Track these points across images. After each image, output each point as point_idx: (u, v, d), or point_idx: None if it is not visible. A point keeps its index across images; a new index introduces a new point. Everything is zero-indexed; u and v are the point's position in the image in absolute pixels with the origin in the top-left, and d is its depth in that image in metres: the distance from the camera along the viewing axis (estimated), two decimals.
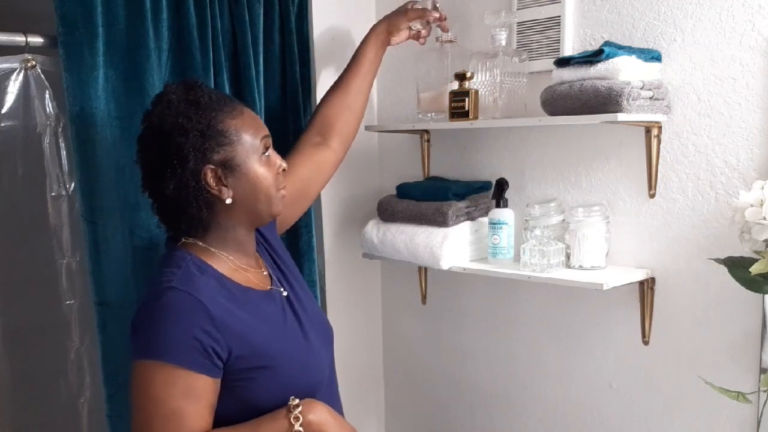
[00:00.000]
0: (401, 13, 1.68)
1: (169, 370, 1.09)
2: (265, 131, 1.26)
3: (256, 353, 1.16)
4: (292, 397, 1.17)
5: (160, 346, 1.10)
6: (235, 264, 1.24)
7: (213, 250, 1.22)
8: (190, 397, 1.10)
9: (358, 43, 1.70)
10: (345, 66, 1.69)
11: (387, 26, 1.68)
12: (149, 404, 1.09)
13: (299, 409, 1.14)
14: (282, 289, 1.30)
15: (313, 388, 1.23)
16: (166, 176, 1.17)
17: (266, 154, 1.24)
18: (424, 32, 1.72)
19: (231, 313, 1.15)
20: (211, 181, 1.18)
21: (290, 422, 1.13)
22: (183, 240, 1.23)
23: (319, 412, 1.17)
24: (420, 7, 1.68)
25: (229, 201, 1.20)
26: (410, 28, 1.70)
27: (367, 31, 1.69)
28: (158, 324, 1.11)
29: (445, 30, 1.72)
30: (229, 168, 1.19)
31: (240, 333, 1.14)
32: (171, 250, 1.23)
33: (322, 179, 1.59)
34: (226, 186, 1.19)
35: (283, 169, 1.28)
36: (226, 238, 1.24)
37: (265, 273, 1.31)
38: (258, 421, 1.14)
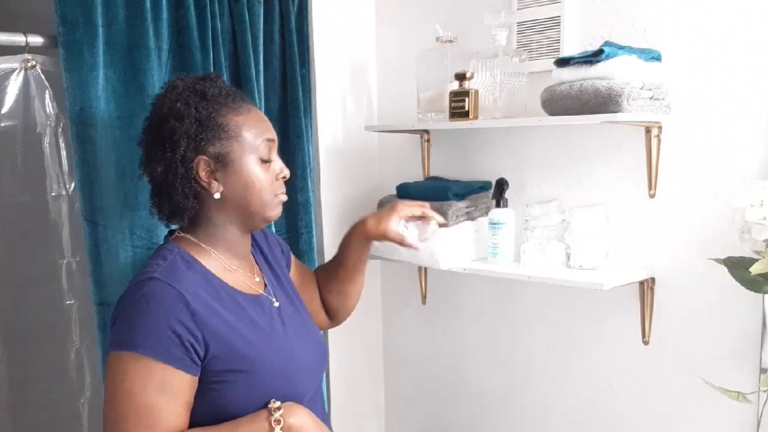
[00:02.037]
0: (382, 222, 1.41)
1: (145, 362, 1.05)
2: (271, 134, 1.23)
3: (233, 355, 1.13)
4: (273, 399, 1.14)
5: (136, 337, 1.06)
6: (226, 264, 1.22)
7: (204, 246, 1.21)
8: (167, 393, 1.06)
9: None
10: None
11: (366, 232, 1.43)
12: (123, 398, 1.05)
13: (280, 412, 1.12)
14: (274, 299, 1.27)
15: (295, 401, 1.18)
16: (155, 159, 1.17)
17: (268, 157, 1.22)
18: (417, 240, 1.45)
19: (212, 310, 1.12)
20: (202, 173, 1.16)
21: (270, 425, 1.10)
22: (176, 234, 1.22)
23: (300, 416, 1.14)
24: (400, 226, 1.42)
25: (217, 196, 1.18)
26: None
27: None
28: (136, 315, 1.08)
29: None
30: (222, 162, 1.17)
31: (219, 332, 1.12)
32: (163, 244, 1.23)
33: None
34: (216, 180, 1.18)
35: (284, 177, 1.25)
36: (216, 235, 1.22)
37: (257, 279, 1.28)
38: (237, 422, 1.12)
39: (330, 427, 1.27)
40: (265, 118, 1.26)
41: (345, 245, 1.47)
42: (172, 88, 1.19)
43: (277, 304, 1.27)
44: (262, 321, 1.22)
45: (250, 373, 1.14)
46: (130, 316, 1.09)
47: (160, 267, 1.13)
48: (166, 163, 1.16)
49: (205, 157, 1.16)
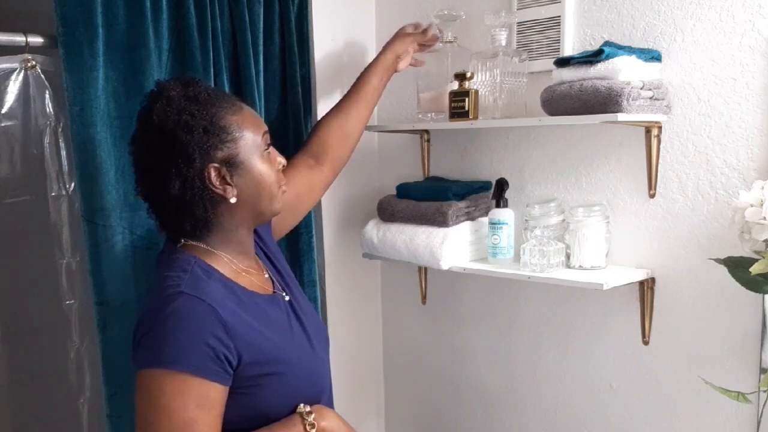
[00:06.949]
0: (404, 36, 1.70)
1: (181, 379, 1.04)
2: (265, 127, 1.22)
3: (264, 360, 1.13)
4: (302, 404, 1.15)
5: (171, 355, 1.04)
6: (238, 266, 1.20)
7: (215, 252, 1.18)
8: (204, 406, 1.05)
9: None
10: (347, 83, 1.67)
11: (395, 52, 1.68)
12: (160, 415, 1.04)
13: (312, 416, 1.14)
14: (284, 294, 1.28)
15: (318, 395, 1.21)
16: (170, 176, 1.12)
17: (267, 150, 1.21)
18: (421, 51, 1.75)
19: (240, 318, 1.11)
20: (215, 180, 1.14)
21: (305, 429, 1.13)
22: (183, 242, 1.19)
23: (330, 419, 1.17)
24: (419, 30, 1.71)
25: (233, 200, 1.16)
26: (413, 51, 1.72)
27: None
28: (168, 331, 1.05)
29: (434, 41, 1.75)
30: (232, 166, 1.15)
31: (249, 339, 1.11)
32: (172, 253, 1.18)
33: (313, 199, 1.60)
34: (230, 185, 1.15)
35: (283, 166, 1.25)
36: (228, 240, 1.20)
37: (266, 276, 1.28)
38: (271, 428, 1.13)
39: None
40: (255, 111, 1.25)
41: (369, 76, 1.65)
42: (167, 100, 1.13)
43: (287, 298, 1.28)
44: (282, 321, 1.22)
45: (280, 375, 1.15)
46: (161, 333, 1.06)
47: (183, 280, 1.10)
48: (182, 179, 1.12)
49: (215, 164, 1.13)
